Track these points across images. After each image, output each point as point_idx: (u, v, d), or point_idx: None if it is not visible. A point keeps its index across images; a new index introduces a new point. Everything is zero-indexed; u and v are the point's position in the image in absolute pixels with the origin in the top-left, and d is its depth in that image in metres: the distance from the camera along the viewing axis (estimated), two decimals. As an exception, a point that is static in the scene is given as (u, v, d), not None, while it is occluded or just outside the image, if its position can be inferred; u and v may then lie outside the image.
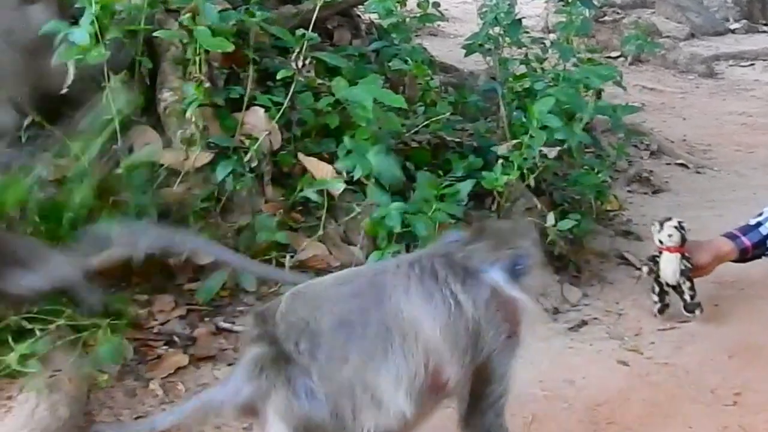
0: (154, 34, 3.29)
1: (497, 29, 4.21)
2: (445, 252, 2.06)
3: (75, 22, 3.14)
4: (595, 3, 4.82)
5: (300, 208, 3.39)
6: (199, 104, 3.21)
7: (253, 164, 3.25)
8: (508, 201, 3.60)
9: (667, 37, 8.77)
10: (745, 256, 3.33)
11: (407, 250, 3.01)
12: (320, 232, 3.24)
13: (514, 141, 3.61)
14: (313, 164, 3.36)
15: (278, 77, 3.39)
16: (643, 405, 2.76)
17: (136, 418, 2.53)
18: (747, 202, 4.48)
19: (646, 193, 4.80)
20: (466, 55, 4.43)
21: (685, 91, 7.46)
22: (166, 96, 3.35)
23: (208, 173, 3.21)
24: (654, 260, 3.30)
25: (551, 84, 3.99)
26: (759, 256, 3.36)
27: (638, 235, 4.08)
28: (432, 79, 4.45)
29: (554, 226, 3.47)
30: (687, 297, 3.25)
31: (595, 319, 3.34)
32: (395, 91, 3.67)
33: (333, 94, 3.43)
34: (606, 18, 8.76)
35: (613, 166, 4.60)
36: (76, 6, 3.16)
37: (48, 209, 2.93)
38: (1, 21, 3.26)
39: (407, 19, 4.41)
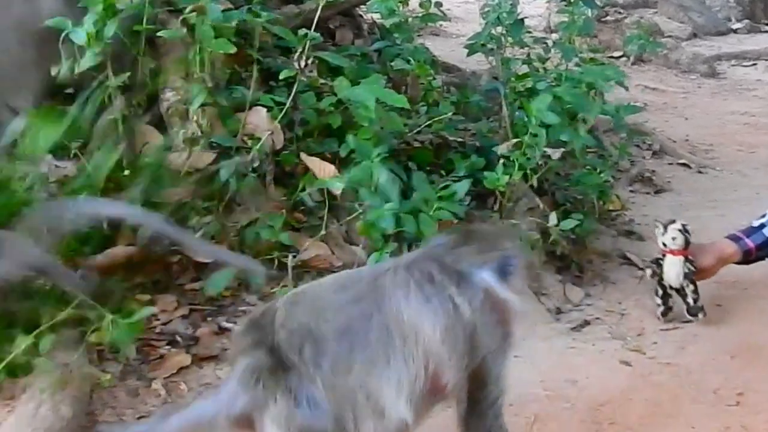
0: (158, 34, 3.29)
1: (499, 29, 4.22)
2: (436, 255, 2.06)
3: (86, 10, 3.15)
4: (598, 3, 4.83)
5: (302, 207, 3.39)
6: (202, 104, 3.21)
7: (256, 164, 3.25)
8: (510, 201, 3.60)
9: (670, 36, 8.76)
10: (748, 257, 3.33)
11: (409, 250, 3.01)
12: (322, 232, 3.24)
13: (514, 140, 3.61)
14: (315, 164, 3.36)
15: (281, 77, 3.40)
16: (645, 405, 2.76)
17: (139, 418, 2.53)
18: (749, 202, 4.49)
19: (648, 193, 4.79)
20: (468, 55, 4.43)
21: (687, 91, 7.45)
22: (169, 96, 3.35)
23: (210, 173, 3.22)
24: (657, 263, 3.30)
25: (553, 84, 4.00)
26: (762, 258, 3.36)
27: (640, 235, 4.08)
28: (434, 78, 4.45)
29: (557, 225, 3.47)
30: (690, 300, 3.25)
31: (598, 319, 3.33)
32: (398, 90, 3.67)
33: (335, 94, 3.43)
34: (608, 18, 8.76)
35: (615, 166, 4.60)
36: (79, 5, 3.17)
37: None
38: (12, 11, 3.27)
39: (409, 19, 4.42)
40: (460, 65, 5.55)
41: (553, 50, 4.44)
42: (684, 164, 5.33)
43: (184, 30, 3.25)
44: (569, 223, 3.49)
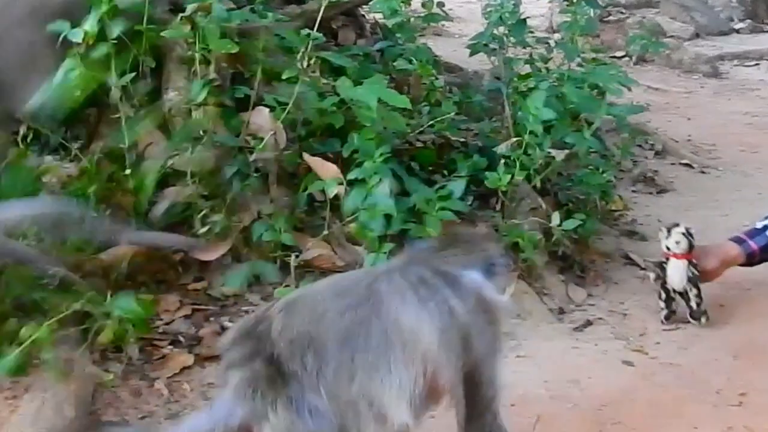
0: (162, 33, 3.29)
1: (502, 29, 4.21)
2: (426, 259, 2.07)
3: None
4: (600, 3, 4.83)
5: (305, 207, 3.39)
6: (205, 104, 3.21)
7: (259, 164, 3.25)
8: (513, 201, 3.60)
9: (672, 36, 8.75)
10: (752, 260, 3.32)
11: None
12: (325, 232, 3.24)
13: (513, 139, 3.61)
14: (317, 164, 3.36)
15: (283, 77, 3.40)
16: (648, 405, 2.75)
17: (142, 418, 2.54)
18: (752, 202, 4.49)
19: (650, 193, 4.78)
20: (470, 55, 4.43)
21: (689, 90, 7.44)
22: (172, 96, 3.35)
23: (213, 173, 3.22)
24: (661, 266, 3.29)
25: (556, 84, 4.00)
26: (766, 260, 3.35)
27: (643, 235, 4.08)
28: (437, 78, 4.44)
29: (559, 226, 3.46)
30: (693, 304, 3.24)
31: (600, 319, 3.33)
32: (400, 90, 3.67)
33: (338, 94, 3.43)
34: (610, 18, 8.76)
35: (617, 166, 4.60)
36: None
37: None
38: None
39: (412, 19, 4.43)
40: (463, 65, 5.55)
41: (555, 50, 4.43)
42: (686, 164, 5.32)
43: (188, 28, 3.25)
44: (572, 223, 3.49)
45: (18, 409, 2.41)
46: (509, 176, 3.48)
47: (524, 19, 4.28)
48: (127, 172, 3.14)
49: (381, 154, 3.20)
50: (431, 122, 3.80)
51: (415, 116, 3.86)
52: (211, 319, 2.99)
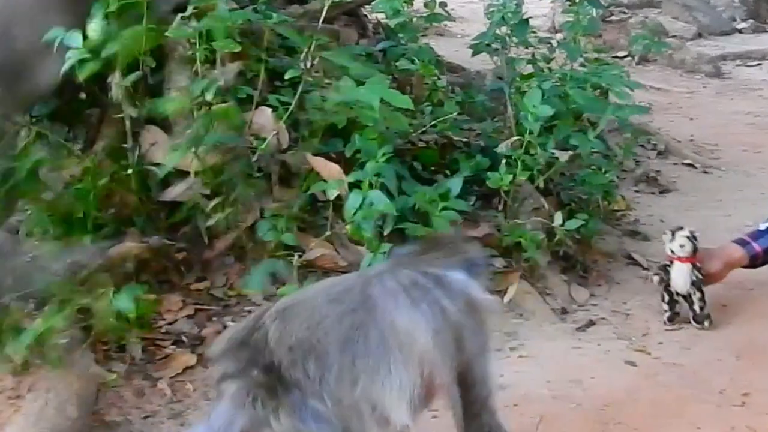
0: (165, 33, 3.28)
1: (504, 29, 4.21)
2: (411, 262, 2.07)
3: None
4: (602, 3, 4.83)
5: (308, 207, 3.39)
6: (208, 103, 3.21)
7: (261, 164, 3.25)
8: (515, 201, 3.60)
9: (674, 36, 8.75)
10: (755, 262, 3.32)
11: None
12: (328, 232, 3.24)
13: (514, 138, 3.61)
14: (320, 164, 3.36)
15: (286, 77, 3.39)
16: (650, 405, 2.75)
17: (145, 418, 2.54)
18: (755, 202, 4.49)
19: (653, 193, 4.78)
20: (473, 55, 4.42)
21: (692, 90, 7.44)
22: (174, 96, 3.34)
23: (216, 173, 3.22)
24: (665, 269, 3.29)
25: (558, 84, 4.00)
26: (770, 261, 3.35)
27: (646, 235, 4.08)
28: (439, 78, 4.45)
29: (561, 225, 3.46)
30: (697, 308, 3.23)
31: (603, 319, 3.33)
32: (402, 91, 3.66)
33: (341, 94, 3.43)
34: (613, 18, 8.76)
35: (620, 166, 4.59)
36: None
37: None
38: None
39: (414, 19, 4.42)
40: (465, 65, 5.55)
41: (557, 50, 4.43)
42: (689, 164, 5.32)
43: (192, 27, 3.24)
44: (574, 223, 3.49)
45: (21, 409, 2.41)
46: (511, 176, 3.48)
47: (527, 19, 4.28)
48: (130, 171, 3.14)
49: (383, 154, 3.20)
50: (434, 122, 3.80)
51: (417, 116, 3.86)
52: (214, 318, 2.99)
